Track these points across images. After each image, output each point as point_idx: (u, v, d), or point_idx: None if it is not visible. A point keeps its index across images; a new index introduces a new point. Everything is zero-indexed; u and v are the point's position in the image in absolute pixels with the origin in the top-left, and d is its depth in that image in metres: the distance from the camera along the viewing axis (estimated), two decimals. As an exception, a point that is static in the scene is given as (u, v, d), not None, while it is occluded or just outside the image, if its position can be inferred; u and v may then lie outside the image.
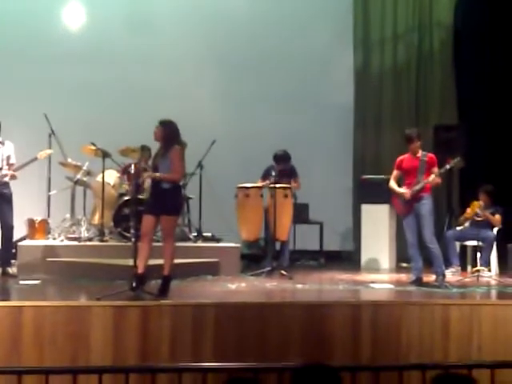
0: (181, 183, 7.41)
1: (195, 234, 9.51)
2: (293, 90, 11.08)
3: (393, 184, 8.06)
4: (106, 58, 10.67)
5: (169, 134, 7.04)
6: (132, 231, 8.27)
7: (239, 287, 7.82)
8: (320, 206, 10.48)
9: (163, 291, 6.94)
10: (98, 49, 10.70)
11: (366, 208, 10.06)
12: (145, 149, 8.74)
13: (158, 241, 9.02)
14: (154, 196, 7.03)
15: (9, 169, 8.36)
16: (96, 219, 9.29)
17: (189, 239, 9.38)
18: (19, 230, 8.94)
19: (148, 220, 6.99)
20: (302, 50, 11.19)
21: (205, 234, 9.55)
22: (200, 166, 9.69)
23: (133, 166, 8.98)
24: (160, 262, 7.11)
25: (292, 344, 6.24)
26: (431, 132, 10.46)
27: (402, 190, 7.94)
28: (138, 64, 10.73)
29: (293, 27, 11.25)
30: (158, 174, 6.96)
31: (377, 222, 9.91)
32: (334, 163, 11.11)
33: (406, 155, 8.03)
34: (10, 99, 10.10)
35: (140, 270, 6.92)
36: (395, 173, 8.09)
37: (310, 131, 11.01)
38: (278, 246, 9.38)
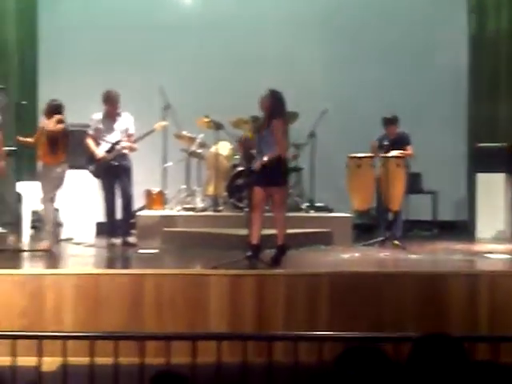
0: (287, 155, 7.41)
1: (307, 204, 9.55)
2: (404, 53, 10.84)
3: None
4: (218, 29, 10.74)
5: (274, 104, 7.07)
6: (245, 201, 8.41)
7: (352, 257, 7.82)
8: (433, 175, 10.31)
9: (277, 260, 7.03)
10: (210, 20, 10.77)
11: (481, 177, 9.82)
12: (256, 120, 8.81)
13: (268, 211, 9.16)
14: (260, 169, 7.11)
15: (128, 140, 8.62)
16: (210, 190, 9.46)
17: (301, 209, 9.43)
18: (137, 201, 9.21)
19: (258, 191, 7.08)
20: (414, 11, 10.92)
21: (317, 204, 9.58)
22: (312, 135, 9.68)
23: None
24: (272, 231, 7.20)
25: (407, 314, 6.20)
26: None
27: None
28: (247, 34, 10.74)
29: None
30: (265, 159, 6.99)
31: (493, 191, 9.67)
32: (448, 130, 10.84)
33: None
34: (126, 72, 10.33)
35: (254, 241, 7.03)
36: None
37: (422, 96, 10.75)
38: (390, 216, 9.29)
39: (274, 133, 6.99)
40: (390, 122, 9.24)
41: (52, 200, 8.00)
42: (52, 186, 7.94)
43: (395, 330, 5.70)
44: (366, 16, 10.96)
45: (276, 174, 6.98)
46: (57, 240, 8.11)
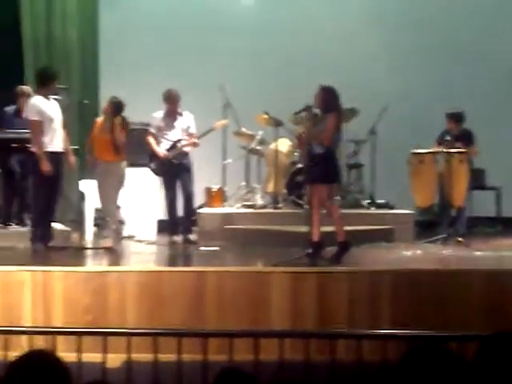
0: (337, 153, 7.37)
1: (368, 201, 9.47)
2: (466, 49, 10.66)
3: None
4: (278, 27, 10.70)
5: (327, 99, 7.07)
6: (305, 198, 8.38)
7: (415, 254, 7.72)
8: (497, 171, 10.11)
9: (338, 258, 6.98)
10: (270, 18, 10.75)
11: (547, 172, 9.60)
12: (309, 108, 8.71)
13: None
14: (308, 163, 7.14)
15: (189, 139, 8.67)
16: (270, 187, 9.45)
17: (362, 206, 9.36)
18: (197, 199, 9.25)
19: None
20: (479, 5, 10.73)
21: (378, 201, 9.49)
22: (372, 132, 9.60)
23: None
24: (330, 229, 7.16)
25: (471, 312, 6.10)
26: None
27: None
28: (307, 32, 10.68)
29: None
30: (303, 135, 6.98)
31: (559, 186, 9.44)
32: (510, 126, 10.64)
33: None
34: (186, 70, 10.39)
35: (315, 238, 7.01)
36: None
37: (484, 88, 10.52)
38: (453, 212, 9.14)
39: (325, 124, 6.99)
40: (453, 117, 9.08)
41: (116, 198, 8.09)
42: (116, 183, 8.02)
43: (459, 329, 5.61)
44: (429, 11, 10.79)
45: (320, 168, 6.95)
46: (120, 238, 8.20)
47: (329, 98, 7.08)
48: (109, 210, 8.11)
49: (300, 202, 9.00)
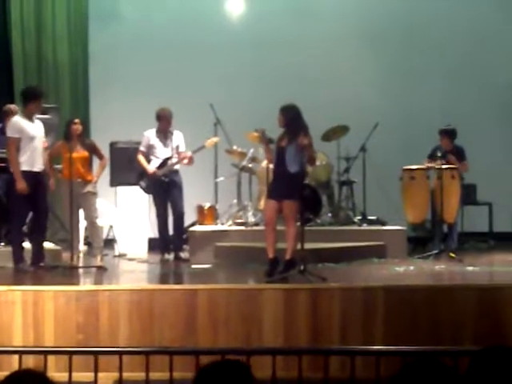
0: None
1: (360, 218, 9.47)
2: (455, 66, 10.75)
3: None
4: (268, 44, 10.73)
5: (290, 119, 7.09)
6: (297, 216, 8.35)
7: (407, 270, 7.70)
8: (488, 187, 10.12)
9: (282, 273, 6.98)
10: (260, 36, 10.77)
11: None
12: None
13: (323, 225, 9.11)
14: (279, 180, 7.11)
15: (178, 157, 8.67)
16: (261, 204, 9.42)
17: (353, 223, 9.35)
18: (189, 217, 9.24)
19: (271, 205, 7.11)
20: (466, 24, 10.81)
21: (370, 218, 9.49)
22: (363, 149, 9.62)
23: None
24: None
25: (464, 327, 6.09)
26: None
27: None
28: (297, 49, 10.73)
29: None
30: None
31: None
32: (502, 140, 10.68)
33: None
34: (175, 89, 10.42)
35: (271, 255, 7.09)
36: None
37: (475, 109, 10.61)
38: (445, 228, 9.15)
39: (302, 148, 6.96)
40: (446, 133, 9.11)
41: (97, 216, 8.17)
42: (95, 201, 8.11)
43: (452, 344, 5.61)
44: (419, 30, 10.85)
45: (293, 186, 6.95)
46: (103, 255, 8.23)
47: (291, 118, 7.11)
48: (96, 228, 8.22)
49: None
